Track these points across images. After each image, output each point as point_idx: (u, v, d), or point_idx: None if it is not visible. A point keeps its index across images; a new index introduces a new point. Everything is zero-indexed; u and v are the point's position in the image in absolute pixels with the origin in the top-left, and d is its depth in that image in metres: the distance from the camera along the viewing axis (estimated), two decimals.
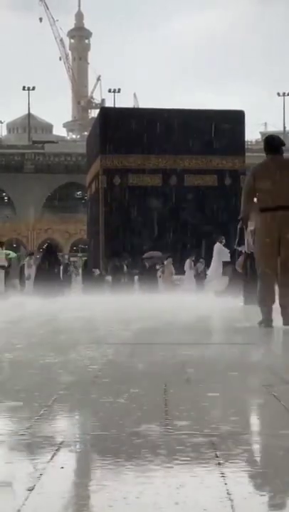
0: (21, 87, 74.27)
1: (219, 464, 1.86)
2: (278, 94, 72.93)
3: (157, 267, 25.09)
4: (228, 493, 1.60)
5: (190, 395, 2.99)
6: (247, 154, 33.64)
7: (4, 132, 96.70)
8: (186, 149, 30.89)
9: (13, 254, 24.87)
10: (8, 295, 18.22)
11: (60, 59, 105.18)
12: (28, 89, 74.23)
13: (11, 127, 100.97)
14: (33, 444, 2.12)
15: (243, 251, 11.59)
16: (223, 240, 19.22)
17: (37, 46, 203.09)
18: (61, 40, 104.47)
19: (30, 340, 5.80)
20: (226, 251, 18.13)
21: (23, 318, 9.55)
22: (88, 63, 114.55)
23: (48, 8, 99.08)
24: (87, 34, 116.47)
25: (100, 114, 34.71)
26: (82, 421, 2.58)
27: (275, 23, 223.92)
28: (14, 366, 4.17)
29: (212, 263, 19.85)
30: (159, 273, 24.71)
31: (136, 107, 74.14)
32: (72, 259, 44.65)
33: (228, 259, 17.43)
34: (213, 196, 30.86)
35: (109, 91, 76.45)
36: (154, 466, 1.86)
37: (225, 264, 18.05)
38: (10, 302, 15.28)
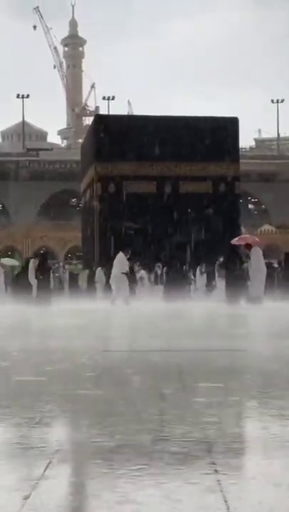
0: (15, 95, 74.37)
1: (216, 471, 1.86)
2: (272, 101, 73.10)
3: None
4: (224, 500, 1.60)
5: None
6: (241, 161, 33.73)
7: None
8: (181, 156, 30.89)
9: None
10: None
11: (55, 67, 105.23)
12: (23, 96, 74.27)
13: (6, 135, 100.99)
14: (29, 451, 2.12)
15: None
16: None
17: (31, 54, 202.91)
18: (55, 48, 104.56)
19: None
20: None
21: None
22: (82, 71, 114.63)
23: (42, 17, 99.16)
24: (81, 42, 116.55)
25: (94, 121, 34.71)
26: (77, 428, 2.57)
27: (270, 30, 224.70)
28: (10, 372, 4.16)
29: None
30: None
31: (130, 114, 74.15)
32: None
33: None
34: (208, 203, 30.88)
35: (104, 98, 76.55)
36: (150, 472, 1.86)
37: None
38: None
